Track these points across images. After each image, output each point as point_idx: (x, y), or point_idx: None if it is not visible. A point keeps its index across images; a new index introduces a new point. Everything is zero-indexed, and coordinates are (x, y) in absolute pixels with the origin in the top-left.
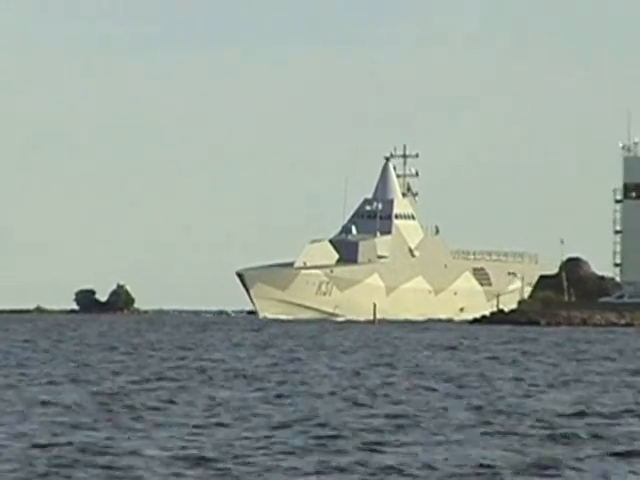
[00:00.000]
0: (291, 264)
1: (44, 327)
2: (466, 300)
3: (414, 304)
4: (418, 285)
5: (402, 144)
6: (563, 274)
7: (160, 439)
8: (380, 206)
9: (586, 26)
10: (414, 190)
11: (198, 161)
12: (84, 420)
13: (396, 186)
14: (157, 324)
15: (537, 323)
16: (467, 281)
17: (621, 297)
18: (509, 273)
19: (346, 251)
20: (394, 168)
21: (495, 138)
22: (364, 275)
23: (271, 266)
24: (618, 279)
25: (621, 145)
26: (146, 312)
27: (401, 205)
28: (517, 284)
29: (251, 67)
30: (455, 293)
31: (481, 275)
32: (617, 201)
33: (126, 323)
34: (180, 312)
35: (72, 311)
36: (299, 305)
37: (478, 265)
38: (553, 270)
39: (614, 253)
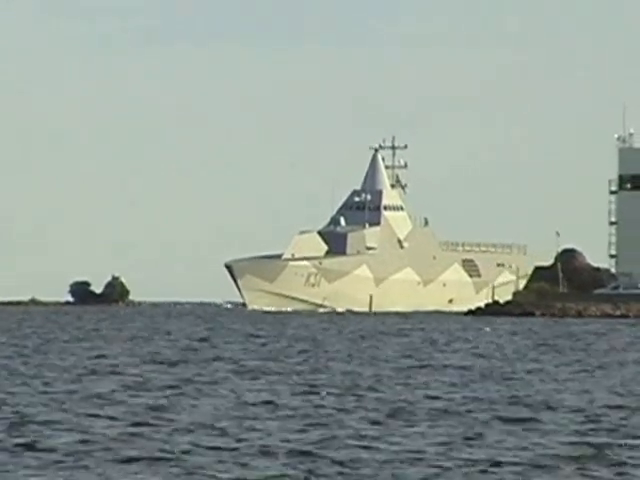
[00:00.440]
0: (279, 256)
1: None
2: (455, 291)
3: (403, 295)
4: (407, 276)
5: (391, 135)
6: (558, 265)
7: None
8: (369, 197)
9: (582, 20)
10: (403, 182)
11: (198, 161)
12: None
13: (385, 177)
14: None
15: (532, 314)
16: (456, 272)
17: (616, 288)
18: (498, 264)
19: (335, 242)
20: (383, 159)
21: (489, 130)
22: (353, 266)
23: (260, 258)
24: (613, 270)
25: (616, 136)
26: (140, 304)
27: (390, 196)
28: (507, 275)
29: (251, 67)
30: (444, 284)
31: (470, 266)
32: (612, 192)
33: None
34: (175, 304)
35: (67, 303)
36: (288, 297)
37: (467, 256)
38: (541, 261)
39: (609, 244)
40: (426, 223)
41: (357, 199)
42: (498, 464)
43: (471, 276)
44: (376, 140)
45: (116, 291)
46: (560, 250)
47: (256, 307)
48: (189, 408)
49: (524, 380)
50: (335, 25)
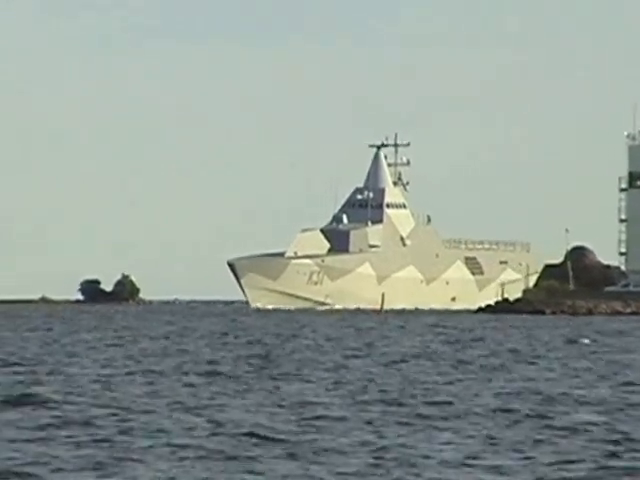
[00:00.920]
0: (282, 254)
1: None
2: (458, 289)
3: (405, 293)
4: (410, 274)
5: (392, 134)
6: (568, 263)
7: None
8: (371, 195)
9: (582, 19)
10: (405, 179)
11: (198, 161)
12: None
13: (387, 175)
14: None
15: (542, 312)
16: (459, 270)
17: (626, 286)
18: (501, 262)
19: (337, 240)
20: (385, 157)
21: (489, 130)
22: (355, 264)
23: (262, 256)
24: (623, 268)
25: (626, 134)
26: (151, 302)
27: (392, 194)
28: (511, 273)
29: (251, 67)
30: (447, 282)
31: (473, 264)
32: (622, 190)
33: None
34: (188, 302)
35: (77, 301)
36: (290, 295)
37: (470, 254)
38: (544, 259)
39: (619, 242)
40: (429, 221)
41: (360, 197)
42: None
43: (474, 274)
44: (376, 139)
45: (126, 289)
46: (570, 248)
47: (259, 305)
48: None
49: None
50: (335, 25)
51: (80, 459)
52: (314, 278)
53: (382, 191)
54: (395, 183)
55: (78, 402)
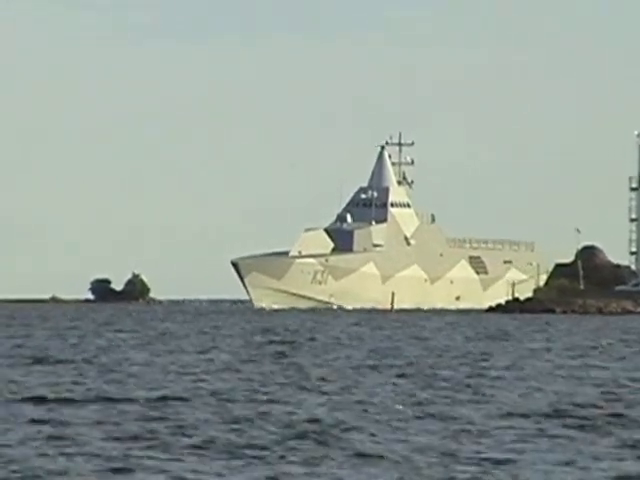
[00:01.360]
0: (286, 253)
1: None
2: (462, 288)
3: (410, 293)
4: (414, 273)
5: (398, 132)
6: (579, 262)
7: None
8: (375, 194)
9: (582, 19)
10: (409, 178)
11: (198, 161)
12: None
13: (391, 174)
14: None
15: (553, 311)
16: (463, 269)
17: (637, 285)
18: (505, 261)
19: (341, 240)
20: (389, 156)
21: (489, 129)
22: (359, 264)
23: (266, 255)
24: (634, 267)
25: (636, 133)
26: (161, 302)
27: (396, 193)
28: (515, 272)
29: (251, 67)
30: (451, 281)
31: (477, 263)
32: (632, 189)
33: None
34: (201, 302)
35: (87, 300)
36: (294, 294)
37: (474, 253)
38: (553, 258)
39: (630, 241)
40: (433, 220)
41: (364, 196)
42: None
43: (478, 273)
44: (377, 138)
45: (136, 289)
46: (580, 247)
47: (263, 305)
48: None
49: None
50: (335, 25)
51: None
52: (318, 277)
53: (386, 190)
54: (399, 182)
55: None
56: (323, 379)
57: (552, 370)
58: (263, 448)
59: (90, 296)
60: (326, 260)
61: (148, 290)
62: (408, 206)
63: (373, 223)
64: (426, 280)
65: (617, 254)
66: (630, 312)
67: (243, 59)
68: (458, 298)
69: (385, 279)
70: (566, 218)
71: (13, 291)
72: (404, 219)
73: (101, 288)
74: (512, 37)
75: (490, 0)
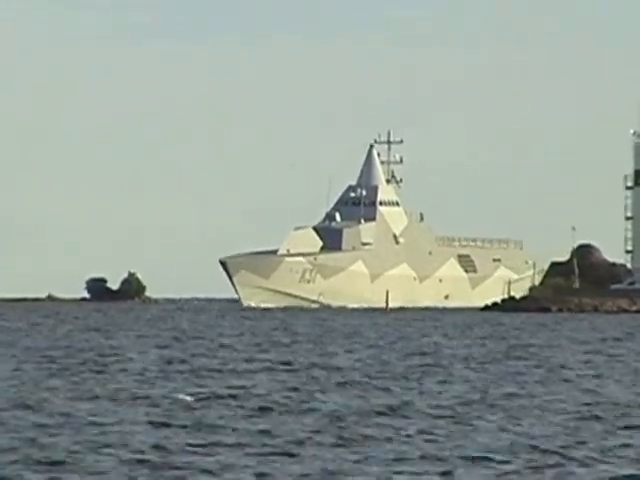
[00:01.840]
0: (275, 252)
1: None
2: (451, 287)
3: (398, 291)
4: (403, 272)
5: (387, 130)
6: (574, 261)
7: None
8: (364, 193)
9: (582, 19)
10: (398, 177)
11: (198, 161)
12: None
13: (380, 173)
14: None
15: (548, 310)
16: (452, 268)
17: (632, 284)
18: (494, 260)
19: (330, 238)
20: (378, 155)
21: (486, 129)
22: (348, 262)
23: (255, 254)
24: (629, 266)
25: (632, 132)
26: (157, 301)
27: (385, 192)
28: (504, 270)
29: (251, 67)
30: (440, 280)
31: (466, 262)
32: (628, 187)
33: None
34: (197, 300)
35: (83, 299)
36: (283, 293)
37: (463, 252)
38: (539, 257)
39: (625, 240)
40: (422, 218)
41: (352, 194)
42: None
43: (467, 271)
44: (369, 136)
45: (132, 287)
46: (576, 246)
47: (252, 304)
48: None
49: None
50: (335, 25)
51: None
52: (307, 276)
53: (375, 189)
54: (388, 181)
55: None
56: None
57: None
58: None
59: (86, 295)
60: (315, 259)
61: (144, 289)
62: (397, 204)
63: (362, 222)
64: (415, 279)
65: (613, 252)
66: (626, 310)
67: (243, 59)
68: (447, 297)
69: (374, 278)
70: (561, 216)
71: (11, 290)
72: (393, 217)
73: (97, 287)
74: (512, 37)
75: (490, 0)
